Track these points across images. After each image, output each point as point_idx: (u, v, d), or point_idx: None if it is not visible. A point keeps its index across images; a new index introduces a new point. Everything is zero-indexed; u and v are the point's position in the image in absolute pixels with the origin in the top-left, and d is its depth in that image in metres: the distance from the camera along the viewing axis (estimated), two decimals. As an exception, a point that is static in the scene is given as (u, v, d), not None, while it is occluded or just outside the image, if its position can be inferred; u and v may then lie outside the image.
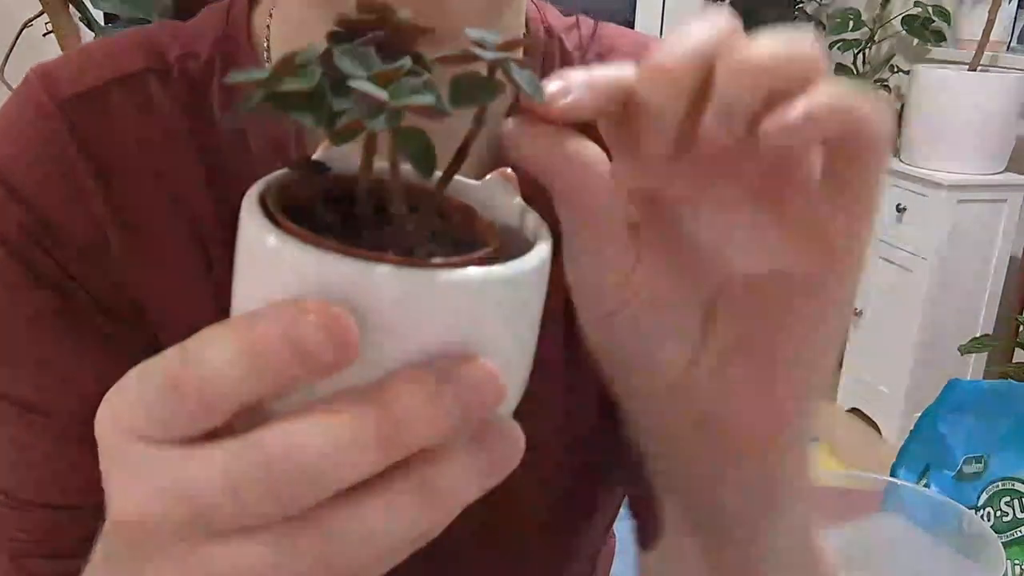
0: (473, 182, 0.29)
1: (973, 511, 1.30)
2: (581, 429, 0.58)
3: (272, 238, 0.23)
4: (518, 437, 0.24)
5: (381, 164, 0.25)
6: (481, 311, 0.23)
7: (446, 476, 0.23)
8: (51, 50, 1.59)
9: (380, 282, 0.22)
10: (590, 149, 0.28)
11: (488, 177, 0.30)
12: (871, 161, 0.29)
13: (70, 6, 1.56)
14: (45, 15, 1.56)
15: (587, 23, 0.56)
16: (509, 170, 0.30)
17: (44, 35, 1.59)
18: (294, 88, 0.22)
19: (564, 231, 0.30)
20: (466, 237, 0.27)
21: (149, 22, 1.73)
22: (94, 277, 0.47)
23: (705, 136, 0.27)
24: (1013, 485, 1.40)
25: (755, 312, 0.31)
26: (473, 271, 0.23)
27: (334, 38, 0.23)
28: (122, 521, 0.25)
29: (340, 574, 0.23)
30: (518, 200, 0.29)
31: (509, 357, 0.24)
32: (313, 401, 0.22)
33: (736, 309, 0.32)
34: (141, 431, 0.25)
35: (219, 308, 0.51)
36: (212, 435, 0.24)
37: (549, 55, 0.52)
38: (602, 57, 0.53)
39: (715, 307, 0.32)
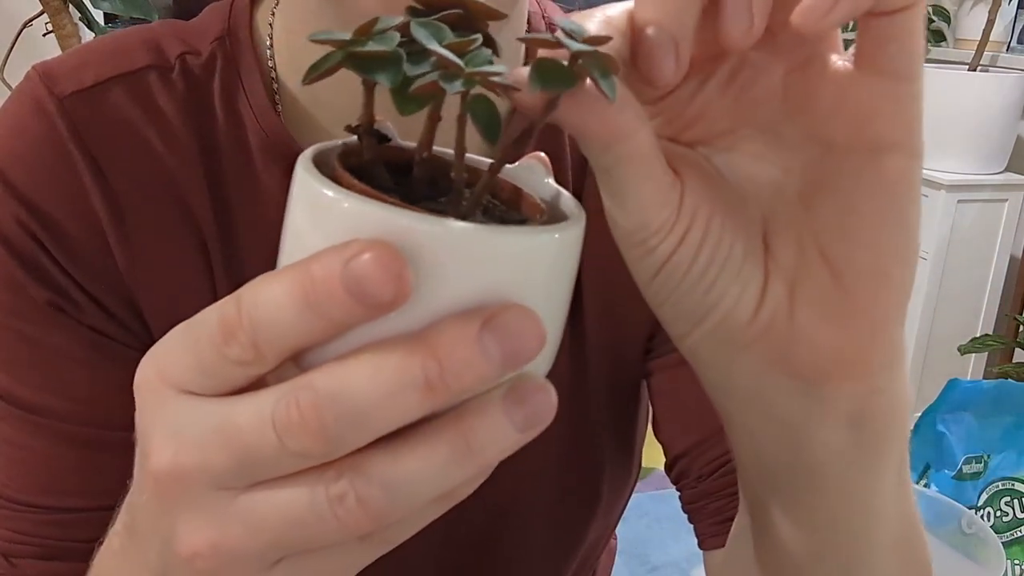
0: (509, 165, 0.30)
1: (973, 511, 1.30)
2: (586, 417, 0.58)
3: (330, 191, 0.24)
4: (552, 395, 0.25)
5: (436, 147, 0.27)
6: (528, 272, 0.24)
7: (484, 428, 0.24)
8: (51, 50, 1.59)
9: (436, 237, 0.23)
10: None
11: (522, 160, 0.31)
12: (910, 19, 0.28)
13: (70, 6, 1.56)
14: (45, 15, 1.56)
15: None
16: (542, 154, 0.31)
17: (44, 35, 1.59)
18: (374, 50, 0.23)
19: (603, 180, 0.29)
20: (514, 214, 0.28)
21: (149, 22, 1.73)
22: (92, 275, 0.47)
23: (727, 41, 0.27)
24: (1013, 485, 1.40)
25: (812, 227, 0.30)
26: (524, 231, 0.25)
27: (411, 12, 0.24)
28: (158, 473, 0.25)
29: (375, 522, 0.24)
30: (551, 181, 0.30)
31: (547, 318, 0.25)
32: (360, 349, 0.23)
33: (792, 232, 0.30)
34: (188, 383, 0.25)
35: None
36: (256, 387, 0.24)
37: None
38: None
39: (771, 238, 0.31)
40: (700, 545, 0.57)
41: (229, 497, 0.25)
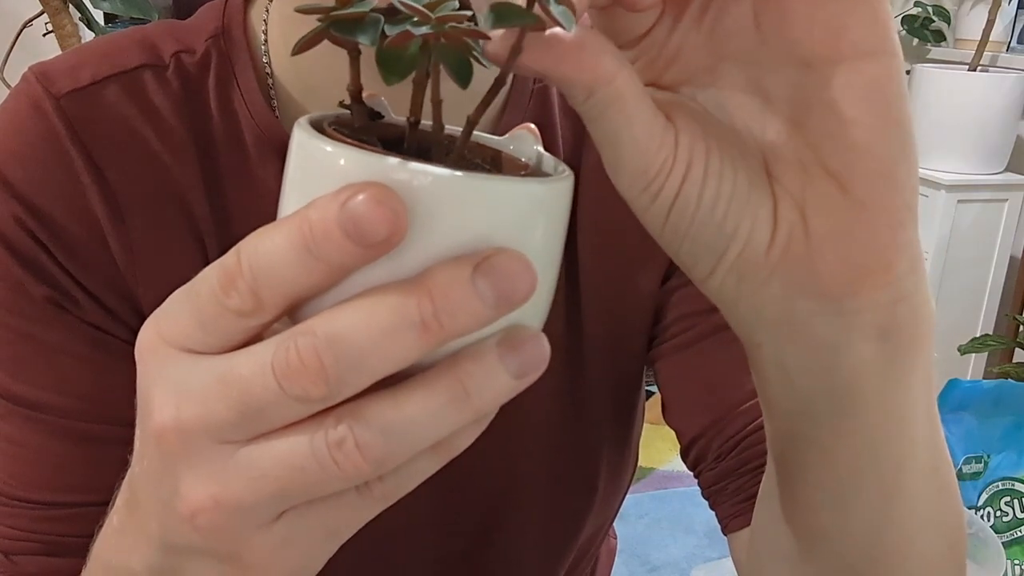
0: (497, 137, 0.32)
1: (973, 511, 1.30)
2: (582, 405, 0.59)
3: (328, 146, 0.25)
4: (545, 344, 0.25)
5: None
6: (517, 220, 0.25)
7: (480, 373, 0.24)
8: (51, 50, 1.59)
9: (428, 185, 0.24)
10: (590, 33, 0.28)
11: (512, 131, 0.32)
12: None
13: (70, 6, 1.56)
14: (45, 15, 1.56)
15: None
16: (532, 125, 0.32)
17: (44, 35, 1.59)
18: (354, 12, 0.24)
19: (595, 132, 0.29)
20: (497, 173, 0.30)
21: (149, 22, 1.73)
22: (91, 272, 0.47)
23: None
24: (1013, 485, 1.40)
25: (809, 145, 0.30)
26: (511, 180, 0.26)
27: None
28: (160, 430, 0.26)
29: (374, 467, 0.24)
30: (540, 148, 0.31)
31: (539, 267, 0.25)
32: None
33: (791, 154, 0.30)
34: (188, 340, 0.25)
35: None
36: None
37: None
38: None
39: (772, 165, 0.30)
40: (724, 530, 0.56)
41: (231, 451, 0.25)
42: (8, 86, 1.57)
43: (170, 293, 0.49)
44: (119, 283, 0.48)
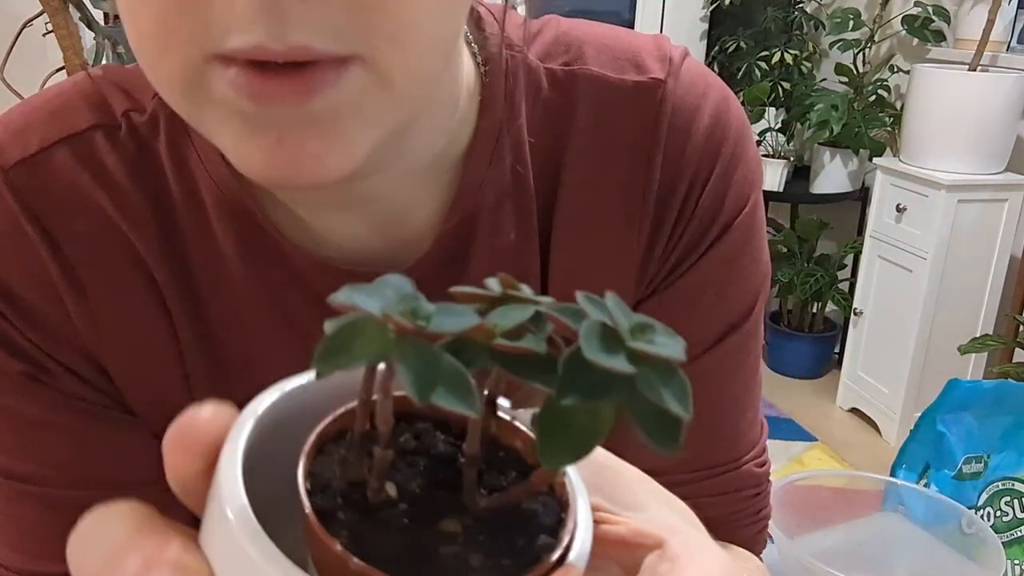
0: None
1: (973, 511, 1.30)
2: None
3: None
4: None
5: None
6: None
7: None
8: (51, 50, 1.59)
9: None
10: None
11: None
12: None
13: (70, 6, 1.56)
14: (45, 15, 1.56)
15: (552, 27, 0.51)
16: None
17: (44, 35, 1.59)
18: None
19: None
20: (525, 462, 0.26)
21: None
22: (58, 344, 0.47)
23: None
24: (1013, 485, 1.40)
25: None
26: None
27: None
28: None
29: None
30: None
31: None
32: None
33: None
34: None
35: (183, 370, 0.49)
36: None
37: (513, 72, 0.49)
38: (570, 65, 0.49)
39: None
40: None
41: None
42: (8, 86, 1.57)
43: (136, 359, 0.47)
44: (86, 352, 0.47)
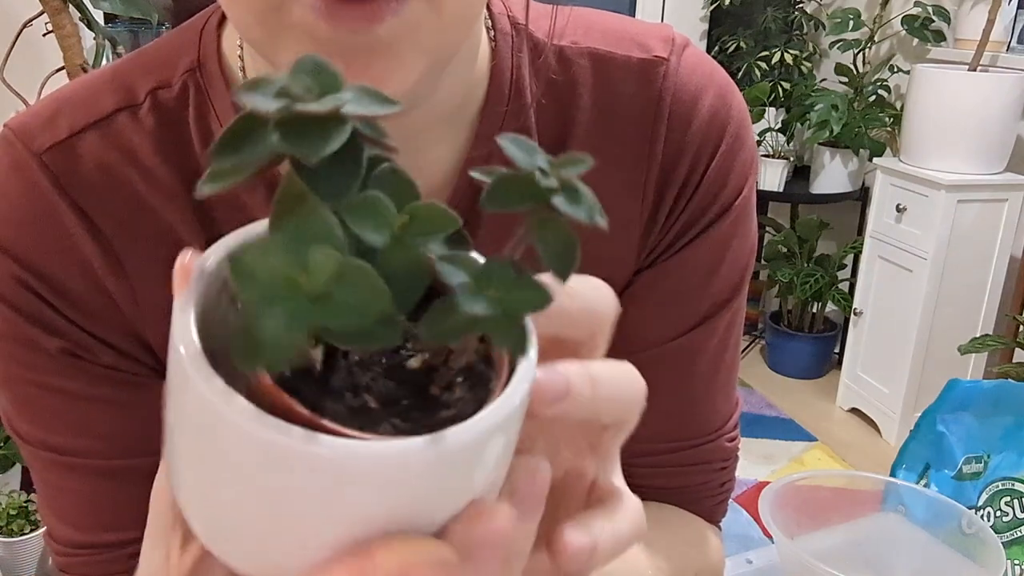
0: None
1: (973, 511, 1.30)
2: None
3: (230, 410, 0.22)
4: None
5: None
6: (409, 491, 0.23)
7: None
8: (51, 50, 1.59)
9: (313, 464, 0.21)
10: None
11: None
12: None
13: (70, 6, 1.56)
14: (45, 15, 1.56)
15: (562, 11, 0.54)
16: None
17: (44, 35, 1.59)
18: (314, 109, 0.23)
19: None
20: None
21: (149, 22, 1.73)
22: (96, 320, 0.48)
23: None
24: (1013, 485, 1.40)
25: None
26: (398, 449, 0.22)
27: None
28: None
29: None
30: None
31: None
32: None
33: None
34: None
35: None
36: None
37: (516, 47, 0.51)
38: (577, 44, 0.52)
39: None
40: None
41: None
42: (8, 86, 1.57)
43: None
44: (126, 326, 0.49)
